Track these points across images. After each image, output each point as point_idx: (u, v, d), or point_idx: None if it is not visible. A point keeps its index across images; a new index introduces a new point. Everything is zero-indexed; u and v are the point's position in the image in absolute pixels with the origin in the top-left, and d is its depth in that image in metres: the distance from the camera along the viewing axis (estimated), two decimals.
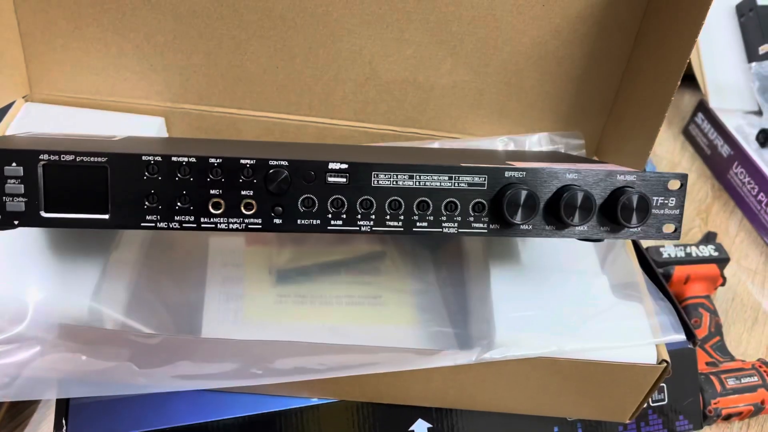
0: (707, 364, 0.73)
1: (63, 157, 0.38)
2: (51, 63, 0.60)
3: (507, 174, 0.42)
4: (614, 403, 0.53)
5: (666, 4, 0.56)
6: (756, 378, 0.71)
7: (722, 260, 0.81)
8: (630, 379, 0.50)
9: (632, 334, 0.50)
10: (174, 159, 0.39)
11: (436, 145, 0.63)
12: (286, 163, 0.40)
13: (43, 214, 0.39)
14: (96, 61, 0.60)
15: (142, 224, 0.39)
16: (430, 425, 0.56)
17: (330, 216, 0.41)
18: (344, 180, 0.41)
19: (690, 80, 1.04)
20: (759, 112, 1.01)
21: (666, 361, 0.49)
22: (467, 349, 0.50)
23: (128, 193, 0.39)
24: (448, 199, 0.42)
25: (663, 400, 0.62)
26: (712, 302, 0.79)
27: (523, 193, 0.41)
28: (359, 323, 0.57)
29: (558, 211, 0.42)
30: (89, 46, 0.59)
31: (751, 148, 0.96)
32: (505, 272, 0.54)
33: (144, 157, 0.39)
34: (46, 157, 0.38)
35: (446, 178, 0.42)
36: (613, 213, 0.42)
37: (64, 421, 0.49)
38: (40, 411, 0.63)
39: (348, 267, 0.62)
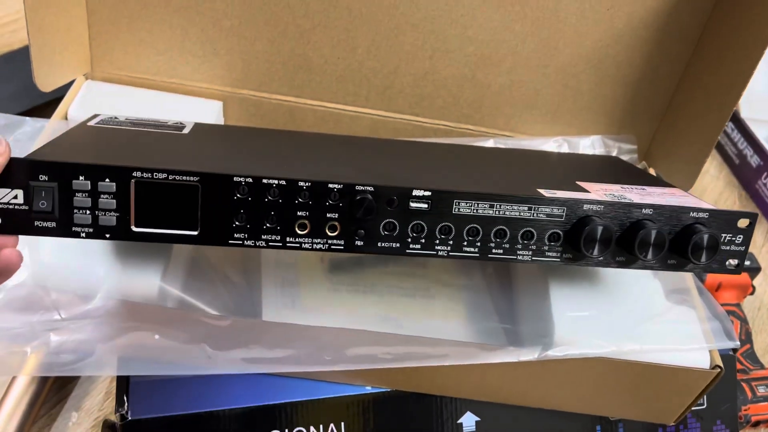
0: (738, 371, 0.74)
1: (156, 175, 0.38)
2: (115, 41, 0.60)
3: (585, 207, 0.43)
4: (662, 406, 0.54)
5: (730, 13, 0.56)
6: None
7: (754, 269, 0.82)
8: (683, 382, 0.51)
9: (687, 338, 0.50)
10: (265, 181, 0.39)
11: (490, 142, 0.64)
12: (372, 189, 0.41)
13: (134, 228, 0.39)
14: (160, 43, 0.60)
15: (230, 241, 0.40)
16: (478, 418, 0.57)
17: (409, 240, 0.42)
18: (426, 206, 0.42)
19: None
20: None
21: (720, 367, 0.50)
22: (518, 345, 0.51)
23: (218, 211, 0.40)
24: (525, 229, 0.43)
25: (702, 404, 0.63)
26: (742, 310, 0.80)
27: (600, 229, 0.43)
28: (411, 314, 0.58)
29: (632, 246, 0.43)
30: (155, 27, 0.59)
31: None
32: (560, 273, 0.55)
33: (235, 178, 0.39)
34: (139, 174, 0.38)
35: (526, 208, 0.43)
36: (684, 249, 0.44)
37: (125, 398, 0.49)
38: (82, 386, 0.63)
39: (396, 258, 0.63)
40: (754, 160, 1.01)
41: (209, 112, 0.62)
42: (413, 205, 0.41)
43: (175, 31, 0.59)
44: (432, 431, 0.55)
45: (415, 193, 0.41)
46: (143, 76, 0.62)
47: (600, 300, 0.53)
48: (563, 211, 0.43)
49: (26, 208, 0.37)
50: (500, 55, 0.61)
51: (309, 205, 0.40)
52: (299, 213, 0.40)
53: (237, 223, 0.40)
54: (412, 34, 0.60)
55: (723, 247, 0.45)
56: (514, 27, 0.59)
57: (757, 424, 0.71)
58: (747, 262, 0.82)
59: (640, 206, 0.43)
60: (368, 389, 0.54)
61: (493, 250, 0.43)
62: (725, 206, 1.01)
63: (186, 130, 0.51)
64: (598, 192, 0.46)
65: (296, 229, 0.41)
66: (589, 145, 0.64)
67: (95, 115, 0.53)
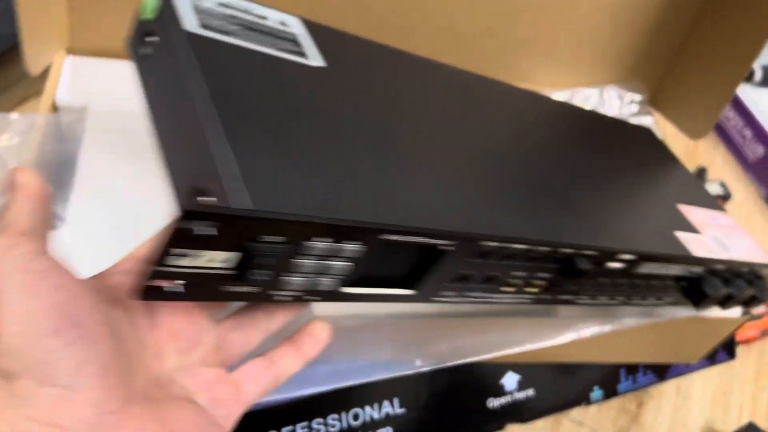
0: None
1: (402, 237, 0.30)
2: (96, 7, 0.52)
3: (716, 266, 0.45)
4: (692, 349, 0.57)
5: None
6: (764, 307, 0.78)
7: (726, 197, 0.86)
8: (718, 329, 0.54)
9: None
10: (521, 246, 0.34)
11: None
12: (595, 253, 0.38)
13: (348, 289, 0.32)
14: None
15: (436, 299, 0.35)
16: (519, 377, 0.58)
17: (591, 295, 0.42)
18: (623, 265, 0.40)
19: None
20: None
21: (749, 313, 0.53)
22: None
23: (447, 272, 0.34)
24: (663, 282, 0.44)
25: None
26: None
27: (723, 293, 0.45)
28: None
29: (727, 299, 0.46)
30: None
31: None
32: None
33: (487, 243, 0.33)
34: (384, 236, 0.29)
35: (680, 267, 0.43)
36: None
37: None
38: None
39: None
40: None
41: None
42: (612, 265, 0.40)
43: None
44: (477, 396, 0.57)
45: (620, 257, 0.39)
46: None
47: None
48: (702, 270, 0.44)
49: (235, 272, 0.27)
50: (520, 9, 0.58)
51: (524, 266, 0.36)
52: (519, 273, 0.36)
53: (452, 283, 0.35)
54: None
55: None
56: None
57: (737, 344, 0.77)
58: (721, 190, 0.87)
59: (741, 264, 0.45)
60: (417, 363, 0.53)
61: (634, 298, 0.44)
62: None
63: (312, 59, 0.37)
64: (703, 229, 0.47)
65: (505, 287, 0.37)
66: (601, 95, 0.64)
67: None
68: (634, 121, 0.64)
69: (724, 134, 1.03)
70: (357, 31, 0.57)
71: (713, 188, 0.86)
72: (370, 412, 0.52)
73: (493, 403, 0.57)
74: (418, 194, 0.32)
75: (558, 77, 0.64)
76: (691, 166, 0.99)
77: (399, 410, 0.53)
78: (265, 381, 0.32)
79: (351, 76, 0.38)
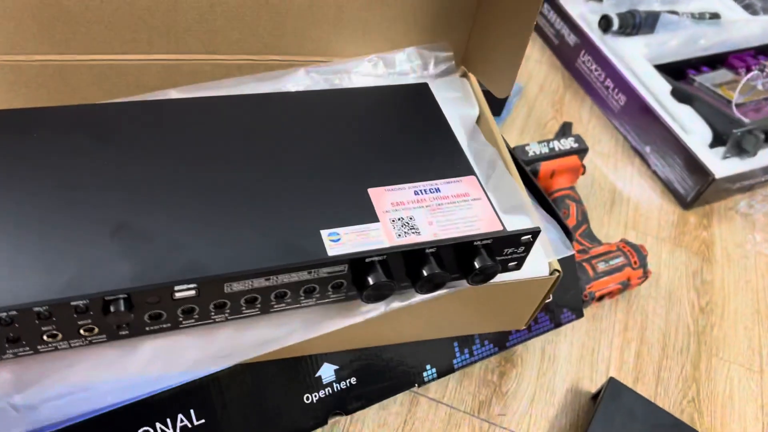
0: (578, 252, 0.77)
1: None
2: None
3: (367, 260, 0.40)
4: (513, 315, 0.55)
5: None
6: (621, 258, 0.76)
7: (582, 150, 0.84)
8: (529, 292, 0.51)
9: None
10: None
11: (301, 72, 0.58)
12: (125, 295, 0.36)
13: None
14: None
15: None
16: (336, 366, 0.55)
17: (181, 319, 0.39)
18: (194, 293, 0.37)
19: None
20: None
21: (558, 271, 0.50)
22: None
23: None
24: (306, 286, 0.41)
25: (548, 298, 0.65)
26: (576, 192, 0.83)
27: (383, 284, 0.41)
28: None
29: (415, 280, 0.42)
30: None
31: (595, 35, 0.99)
32: None
33: None
34: None
35: (305, 273, 0.39)
36: (467, 272, 0.44)
37: None
38: None
39: None
40: (571, 38, 1.02)
41: None
42: (179, 295, 0.37)
43: None
44: (292, 392, 0.53)
45: (178, 288, 0.37)
46: None
47: None
48: (345, 267, 0.40)
49: None
50: None
51: (54, 322, 0.35)
52: (44, 329, 0.36)
53: None
54: None
55: (504, 257, 0.45)
56: None
57: (601, 298, 0.75)
58: (575, 145, 0.84)
59: (425, 245, 0.42)
60: (217, 371, 0.49)
61: (275, 306, 0.41)
62: (552, 89, 1.02)
63: None
64: (386, 216, 0.43)
65: (45, 338, 0.36)
66: (405, 59, 0.60)
67: None
68: (445, 83, 0.61)
69: (589, 87, 1.01)
70: (111, 17, 0.53)
71: (567, 143, 0.84)
72: (162, 429, 0.48)
73: (312, 397, 0.54)
74: None
75: (355, 46, 0.60)
76: (557, 122, 0.97)
77: (198, 422, 0.49)
78: None
79: None
